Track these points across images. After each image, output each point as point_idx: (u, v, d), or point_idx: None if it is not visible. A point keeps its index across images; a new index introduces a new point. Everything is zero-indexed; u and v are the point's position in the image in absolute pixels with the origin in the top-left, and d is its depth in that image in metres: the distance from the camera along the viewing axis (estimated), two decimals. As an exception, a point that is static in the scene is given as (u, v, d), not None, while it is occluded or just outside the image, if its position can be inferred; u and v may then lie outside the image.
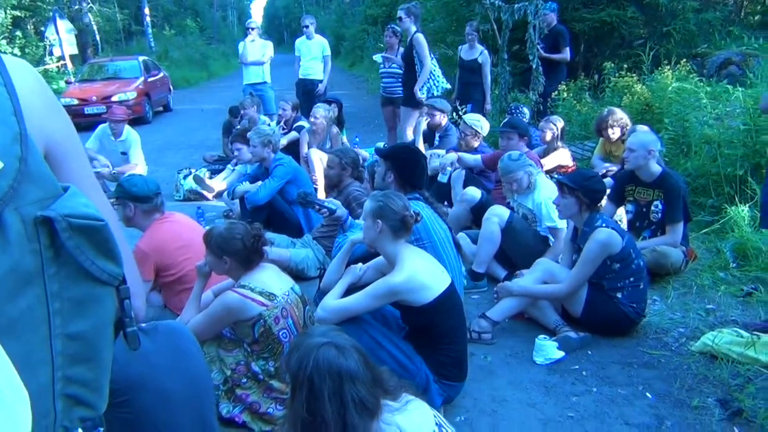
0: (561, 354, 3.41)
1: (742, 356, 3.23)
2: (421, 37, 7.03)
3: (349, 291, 2.94)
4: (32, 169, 0.69)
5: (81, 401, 0.75)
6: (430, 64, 7.01)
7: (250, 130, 5.49)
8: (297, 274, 4.35)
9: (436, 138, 6.60)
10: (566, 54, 8.26)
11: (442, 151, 6.10)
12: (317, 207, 3.99)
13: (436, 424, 1.81)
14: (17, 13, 20.17)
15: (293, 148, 6.90)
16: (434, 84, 7.05)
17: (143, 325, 2.44)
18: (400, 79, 7.71)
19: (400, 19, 7.16)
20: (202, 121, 14.05)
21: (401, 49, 7.70)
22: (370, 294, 2.70)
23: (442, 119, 6.49)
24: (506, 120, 6.00)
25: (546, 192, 4.32)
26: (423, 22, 15.47)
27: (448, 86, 7.29)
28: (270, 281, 2.96)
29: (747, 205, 4.93)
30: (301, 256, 4.54)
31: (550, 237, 4.34)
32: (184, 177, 7.25)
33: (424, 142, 6.64)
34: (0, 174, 0.65)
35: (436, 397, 2.74)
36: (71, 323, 0.72)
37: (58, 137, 0.85)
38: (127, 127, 7.04)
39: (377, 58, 8.06)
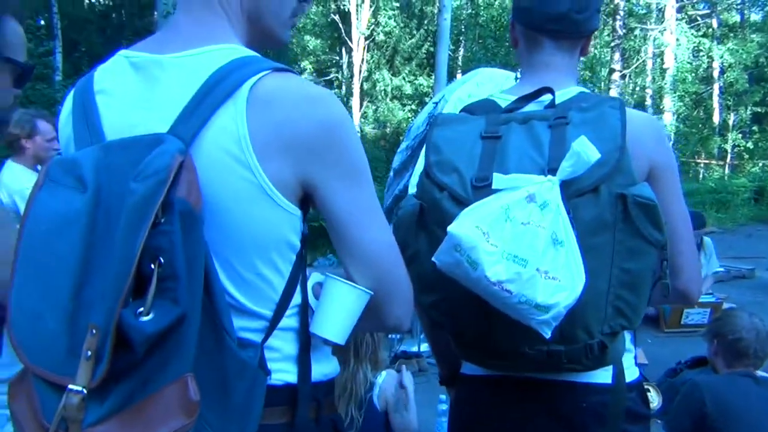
0: None
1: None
2: None
3: None
4: (623, 167, 1.11)
5: (623, 314, 1.13)
6: None
7: None
8: None
9: None
10: None
11: None
12: None
13: None
14: (758, 109, 20.42)
15: None
16: None
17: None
18: None
19: None
20: None
21: None
22: None
23: None
24: None
25: None
26: None
27: None
28: None
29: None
30: None
31: None
32: None
33: None
34: (604, 164, 1.09)
35: None
36: (625, 261, 1.12)
37: (659, 163, 1.25)
38: None
39: None
